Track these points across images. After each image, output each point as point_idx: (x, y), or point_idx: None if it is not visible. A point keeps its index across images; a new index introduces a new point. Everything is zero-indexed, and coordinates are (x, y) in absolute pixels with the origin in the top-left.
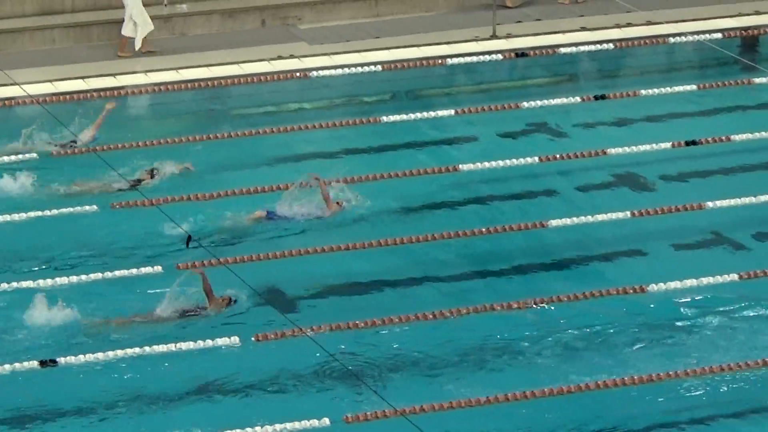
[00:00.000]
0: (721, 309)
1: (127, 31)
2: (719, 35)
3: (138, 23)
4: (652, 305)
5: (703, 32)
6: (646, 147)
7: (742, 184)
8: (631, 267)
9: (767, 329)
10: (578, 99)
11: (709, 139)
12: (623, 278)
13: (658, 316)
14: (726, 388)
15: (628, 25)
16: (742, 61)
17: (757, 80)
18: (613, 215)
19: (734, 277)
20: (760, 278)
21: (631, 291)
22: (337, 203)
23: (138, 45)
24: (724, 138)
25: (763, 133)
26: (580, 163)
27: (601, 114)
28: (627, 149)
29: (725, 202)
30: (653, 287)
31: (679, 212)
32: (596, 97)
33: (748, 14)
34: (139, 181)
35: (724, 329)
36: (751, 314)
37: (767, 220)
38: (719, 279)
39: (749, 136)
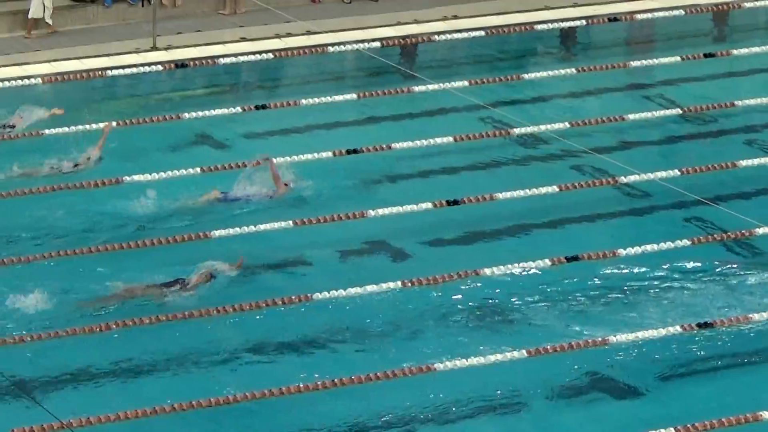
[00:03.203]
0: (384, 316)
1: (34, 13)
2: (378, 44)
3: (46, 5)
4: (317, 313)
5: (363, 41)
6: (308, 156)
7: (403, 193)
8: (295, 276)
9: (426, 334)
10: (239, 109)
11: (370, 147)
12: (288, 288)
13: (323, 323)
14: (387, 395)
15: (288, 35)
16: (402, 69)
17: (417, 88)
18: (276, 224)
19: (398, 283)
20: (423, 285)
21: (296, 300)
22: (285, 184)
23: (50, 22)
24: (385, 146)
25: (423, 140)
26: (243, 173)
27: (263, 124)
28: (289, 159)
29: (387, 210)
30: (318, 296)
31: (342, 221)
32: (257, 107)
33: (407, 23)
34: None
35: (385, 336)
36: (413, 320)
37: (427, 228)
38: (383, 286)
39: (410, 144)
